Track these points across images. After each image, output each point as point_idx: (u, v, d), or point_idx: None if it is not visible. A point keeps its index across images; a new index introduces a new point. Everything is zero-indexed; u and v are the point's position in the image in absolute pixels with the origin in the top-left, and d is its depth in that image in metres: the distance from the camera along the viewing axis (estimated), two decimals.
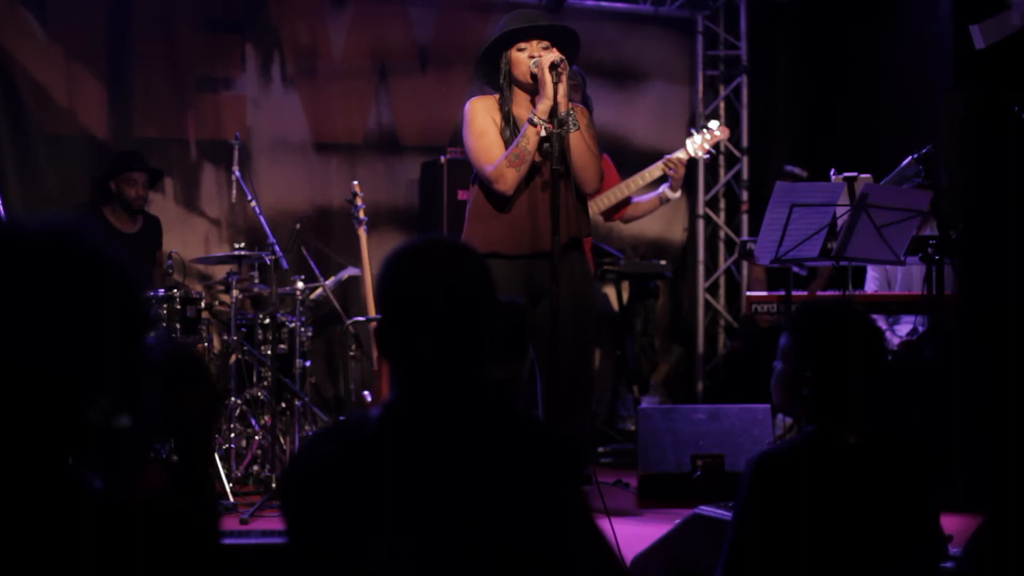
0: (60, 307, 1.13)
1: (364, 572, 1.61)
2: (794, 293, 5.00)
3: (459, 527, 1.61)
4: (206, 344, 5.49)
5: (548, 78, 4.00)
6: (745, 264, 7.43)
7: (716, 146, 5.47)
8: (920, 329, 5.45)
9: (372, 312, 5.38)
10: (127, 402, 1.18)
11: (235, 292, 5.42)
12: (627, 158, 5.99)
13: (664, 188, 5.42)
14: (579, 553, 1.70)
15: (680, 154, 5.30)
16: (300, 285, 5.51)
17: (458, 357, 1.70)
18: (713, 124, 5.36)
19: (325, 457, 1.69)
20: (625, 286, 7.02)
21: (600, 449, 6.38)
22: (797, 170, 6.56)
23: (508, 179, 4.11)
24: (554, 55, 4.05)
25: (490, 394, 1.73)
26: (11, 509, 1.10)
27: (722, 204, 7.71)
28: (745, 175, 7.62)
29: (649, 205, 5.54)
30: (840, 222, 4.56)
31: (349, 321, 5.71)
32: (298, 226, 5.97)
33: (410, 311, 1.70)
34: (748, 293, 6.24)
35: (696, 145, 5.31)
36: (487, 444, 1.68)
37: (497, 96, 4.27)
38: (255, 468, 5.36)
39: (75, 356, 1.13)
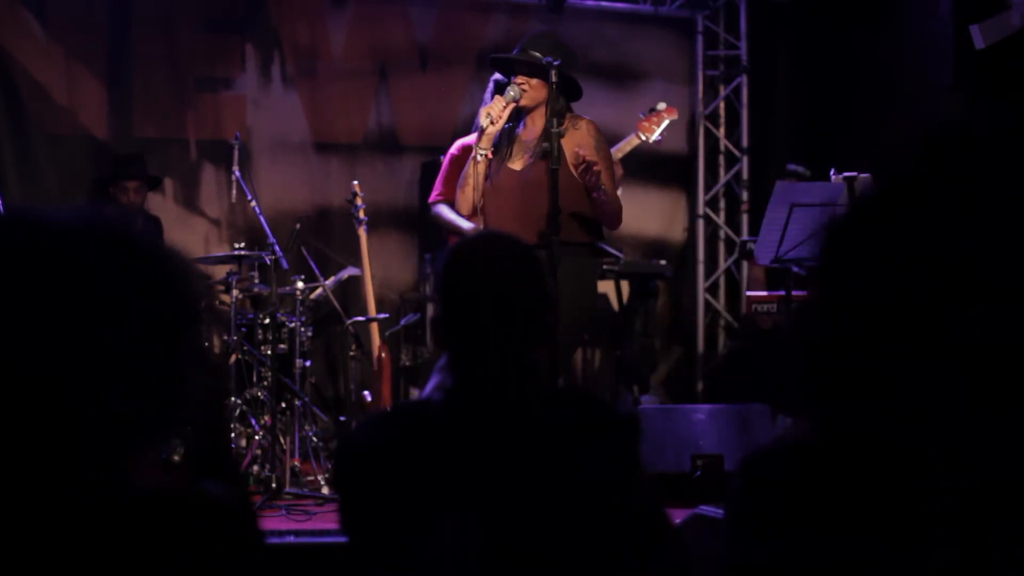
0: (100, 308, 1.09)
1: (427, 548, 1.71)
2: (794, 293, 5.00)
3: (525, 498, 1.73)
4: (206, 344, 5.49)
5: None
6: (745, 264, 7.43)
7: (665, 127, 5.16)
8: None
9: (372, 312, 5.38)
10: (177, 409, 1.14)
11: (235, 292, 5.41)
12: (626, 158, 5.96)
13: None
14: (639, 519, 1.82)
15: (632, 139, 5.13)
16: (300, 285, 5.50)
17: (515, 344, 1.82)
18: (660, 105, 5.17)
19: (389, 437, 1.81)
20: (625, 286, 7.01)
21: None
22: (800, 168, 6.54)
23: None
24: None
25: (541, 375, 1.87)
26: (13, 510, 1.09)
27: (722, 204, 7.71)
28: (745, 175, 7.61)
29: None
30: None
31: (349, 321, 5.70)
32: (298, 226, 5.96)
33: (469, 304, 1.82)
34: (748, 293, 6.24)
35: (646, 128, 5.12)
36: (549, 420, 1.81)
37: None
38: (255, 468, 5.35)
39: (108, 361, 1.09)
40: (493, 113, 4.28)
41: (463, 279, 1.83)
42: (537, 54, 4.28)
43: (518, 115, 4.39)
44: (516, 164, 4.35)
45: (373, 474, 1.77)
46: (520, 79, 4.30)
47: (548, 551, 1.73)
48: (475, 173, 4.34)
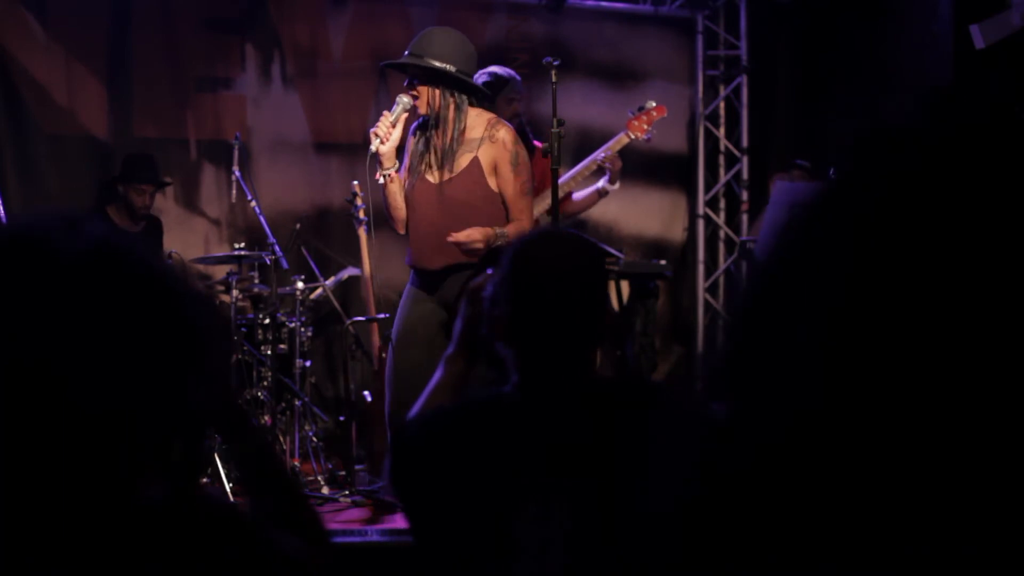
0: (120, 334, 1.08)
1: (507, 540, 1.73)
2: None
3: (603, 492, 1.75)
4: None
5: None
6: (745, 264, 7.43)
7: (653, 125, 5.25)
8: None
9: (372, 312, 5.38)
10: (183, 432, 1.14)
11: (235, 292, 5.42)
12: (626, 159, 5.97)
13: (603, 182, 5.26)
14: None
15: (621, 138, 5.14)
16: (300, 285, 5.51)
17: (580, 341, 1.86)
18: (650, 104, 5.19)
19: (459, 432, 1.82)
20: (625, 286, 7.01)
21: None
22: (807, 164, 6.54)
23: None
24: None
25: (597, 368, 1.91)
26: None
27: (722, 204, 7.71)
28: (745, 175, 7.61)
29: (587, 201, 5.35)
30: None
31: (349, 321, 5.71)
32: (298, 226, 5.97)
33: (538, 302, 1.84)
34: None
35: (635, 127, 5.14)
36: (623, 414, 1.83)
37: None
38: None
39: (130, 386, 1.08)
40: (381, 133, 4.05)
41: (532, 278, 1.85)
42: (436, 63, 4.01)
43: (435, 122, 4.08)
44: (433, 176, 4.11)
45: (444, 469, 1.79)
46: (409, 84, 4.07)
47: (627, 546, 1.75)
48: (391, 193, 4.15)
